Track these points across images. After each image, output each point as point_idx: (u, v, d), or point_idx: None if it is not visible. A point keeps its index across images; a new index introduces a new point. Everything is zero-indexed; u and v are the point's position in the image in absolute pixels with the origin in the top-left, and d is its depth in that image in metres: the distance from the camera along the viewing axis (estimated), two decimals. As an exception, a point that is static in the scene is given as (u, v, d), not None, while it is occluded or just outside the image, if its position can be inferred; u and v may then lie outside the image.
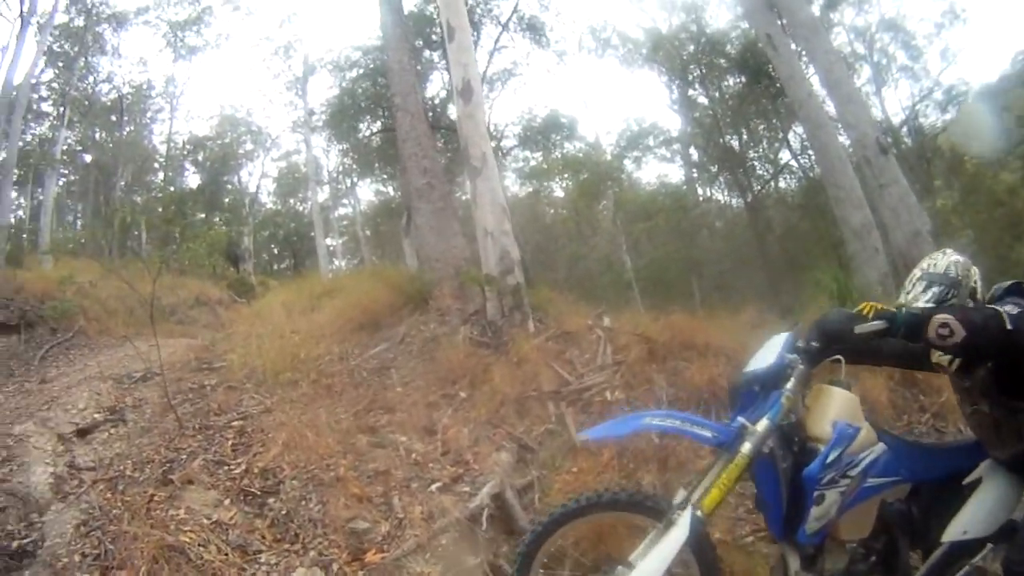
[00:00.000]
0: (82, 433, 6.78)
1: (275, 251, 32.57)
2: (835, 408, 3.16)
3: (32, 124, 23.34)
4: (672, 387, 6.99)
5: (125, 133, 25.51)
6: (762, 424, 3.06)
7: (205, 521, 5.20)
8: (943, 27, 21.99)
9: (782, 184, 23.26)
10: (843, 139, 14.10)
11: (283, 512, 5.33)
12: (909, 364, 3.66)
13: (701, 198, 25.49)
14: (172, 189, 25.96)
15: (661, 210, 22.55)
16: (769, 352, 3.26)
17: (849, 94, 12.75)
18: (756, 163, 22.74)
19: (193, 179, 29.26)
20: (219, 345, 9.02)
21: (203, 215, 27.16)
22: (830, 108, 14.41)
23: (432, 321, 8.26)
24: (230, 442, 6.35)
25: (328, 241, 27.58)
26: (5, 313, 10.94)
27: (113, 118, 25.45)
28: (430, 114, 14.79)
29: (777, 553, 3.42)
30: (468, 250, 9.14)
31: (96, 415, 7.14)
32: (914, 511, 3.17)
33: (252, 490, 5.62)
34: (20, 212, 24.50)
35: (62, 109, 22.41)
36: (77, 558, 4.72)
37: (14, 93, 18.14)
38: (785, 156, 22.60)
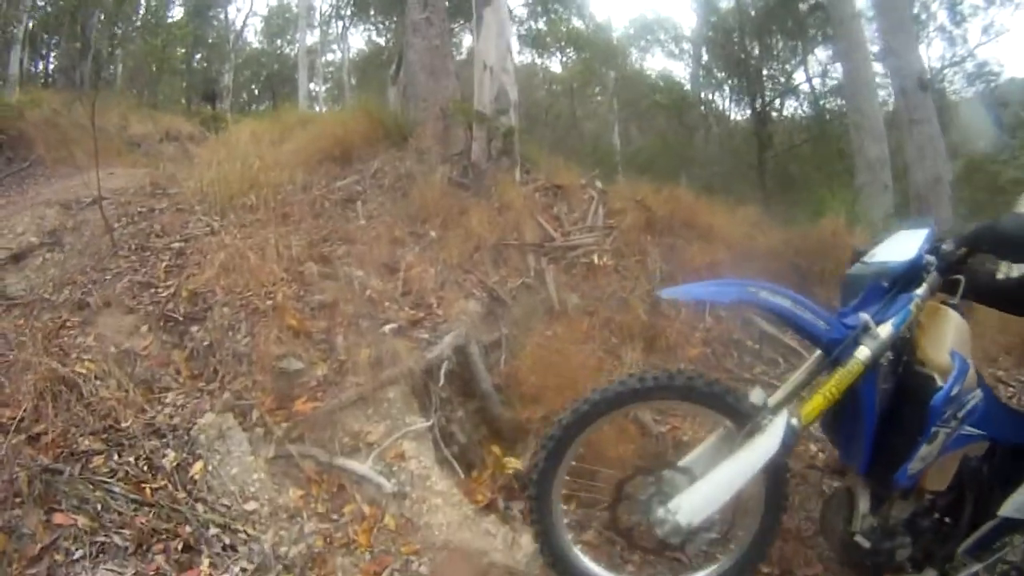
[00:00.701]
0: (16, 258, 5.99)
1: (255, 92, 30.32)
2: (951, 334, 2.53)
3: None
4: (667, 263, 6.06)
5: None
6: (885, 328, 2.43)
7: (112, 350, 4.39)
8: (993, 2, 20.03)
9: (792, 104, 21.81)
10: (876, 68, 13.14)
11: (205, 343, 4.45)
12: None
13: (703, 99, 23.84)
14: (154, 22, 23.75)
15: (659, 101, 21.07)
16: (903, 245, 2.62)
17: (902, 21, 11.29)
18: (768, 79, 21.17)
19: (177, 11, 26.34)
20: (179, 173, 7.97)
21: (183, 50, 25.23)
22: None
23: (410, 159, 7.12)
24: (164, 264, 5.45)
25: (312, 86, 25.40)
26: None
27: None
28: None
29: (842, 487, 2.82)
30: (460, 94, 7.94)
31: (32, 239, 6.30)
32: (985, 473, 2.63)
33: (175, 316, 4.74)
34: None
35: None
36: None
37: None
38: (800, 79, 20.94)
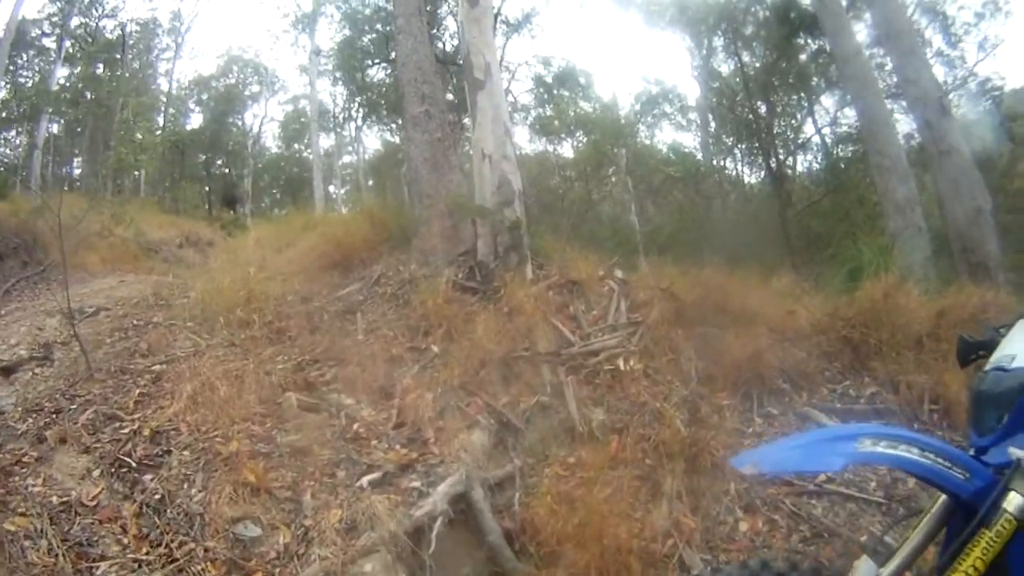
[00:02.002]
0: (6, 372, 5.43)
1: (276, 196, 29.75)
2: None
3: (35, 61, 20.93)
4: (703, 359, 5.04)
5: (128, 72, 22.65)
6: None
7: (55, 500, 3.60)
8: (983, 17, 19.36)
9: (806, 159, 20.59)
10: (889, 105, 12.06)
11: (157, 496, 3.59)
12: None
13: (716, 166, 22.59)
14: (174, 128, 23.61)
15: (672, 174, 19.98)
16: None
17: (911, 47, 10.22)
18: (778, 136, 20.38)
19: (196, 119, 26.58)
20: (189, 281, 7.32)
21: (204, 156, 25.18)
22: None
23: (414, 262, 6.36)
24: (137, 391, 4.68)
25: (331, 189, 25.09)
26: None
27: (117, 56, 22.26)
28: (438, 45, 12.55)
29: None
30: (466, 187, 7.12)
31: (23, 352, 5.74)
32: None
33: (129, 460, 3.87)
34: (13, 150, 21.85)
35: (61, 43, 19.96)
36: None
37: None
38: (809, 131, 19.73)
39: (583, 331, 5.34)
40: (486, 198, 6.09)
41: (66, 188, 19.00)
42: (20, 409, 4.69)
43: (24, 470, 3.95)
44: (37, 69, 20.65)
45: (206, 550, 3.16)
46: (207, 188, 25.38)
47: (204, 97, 26.10)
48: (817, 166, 19.91)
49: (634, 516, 3.53)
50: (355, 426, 4.18)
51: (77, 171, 23.25)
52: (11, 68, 18.20)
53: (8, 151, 21.63)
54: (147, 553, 3.23)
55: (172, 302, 6.51)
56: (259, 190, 27.43)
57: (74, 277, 8.91)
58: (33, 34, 20.05)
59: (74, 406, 4.55)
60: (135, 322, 6.03)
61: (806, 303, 5.83)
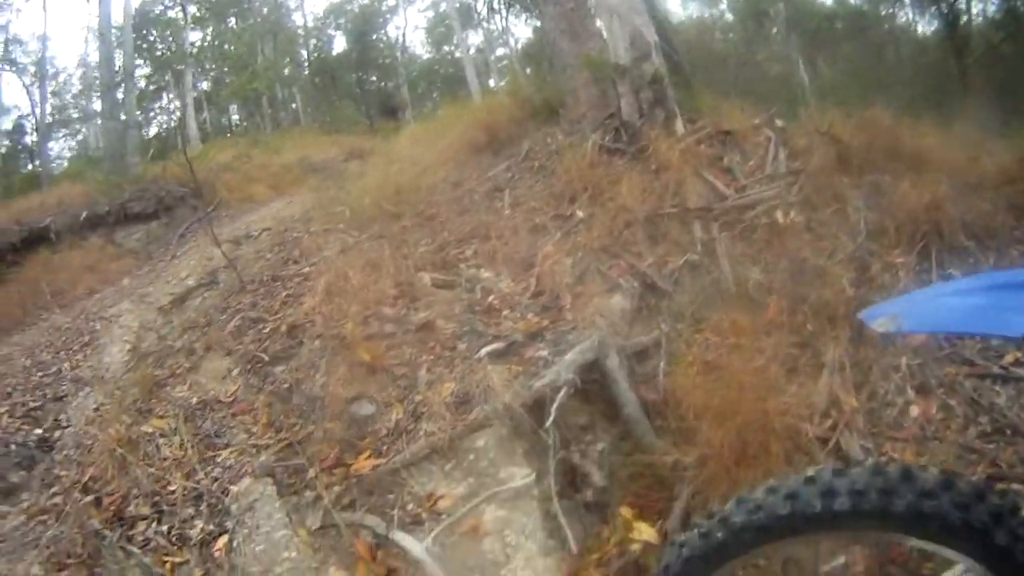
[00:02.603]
0: (178, 302, 6.36)
1: (436, 98, 30.01)
2: None
3: (165, 33, 23.59)
4: (873, 210, 4.57)
5: (259, 18, 25.08)
6: None
7: (194, 401, 4.21)
8: None
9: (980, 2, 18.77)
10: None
11: (285, 386, 3.96)
12: None
13: (884, 15, 21.48)
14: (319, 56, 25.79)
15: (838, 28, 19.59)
16: None
17: None
18: None
19: (340, 43, 28.56)
20: (346, 189, 8.00)
21: (355, 75, 26.70)
22: None
23: (561, 133, 6.34)
24: (284, 294, 5.18)
25: (491, 83, 25.12)
26: (142, 203, 11.30)
27: (245, 6, 25.18)
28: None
29: None
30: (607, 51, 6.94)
31: (191, 282, 6.70)
32: None
33: (265, 356, 4.36)
34: (170, 115, 25.39)
35: (185, 11, 22.65)
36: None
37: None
38: None
39: (738, 183, 5.01)
40: (619, 55, 5.88)
41: (228, 135, 21.60)
42: (179, 329, 5.47)
43: (175, 380, 4.61)
44: (170, 37, 23.22)
45: (324, 432, 3.43)
46: (364, 105, 26.64)
47: (342, 21, 27.83)
48: (993, 8, 18.45)
49: (787, 390, 3.25)
50: (490, 298, 4.23)
51: (236, 117, 26.32)
52: (144, 45, 20.61)
53: (165, 117, 25.15)
54: (269, 439, 3.62)
55: (329, 211, 7.19)
56: (418, 97, 28.55)
57: (243, 208, 10.00)
58: (156, 11, 22.70)
59: (223, 317, 5.15)
60: (293, 235, 6.65)
61: (989, 150, 5.19)
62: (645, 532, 2.82)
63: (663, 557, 1.73)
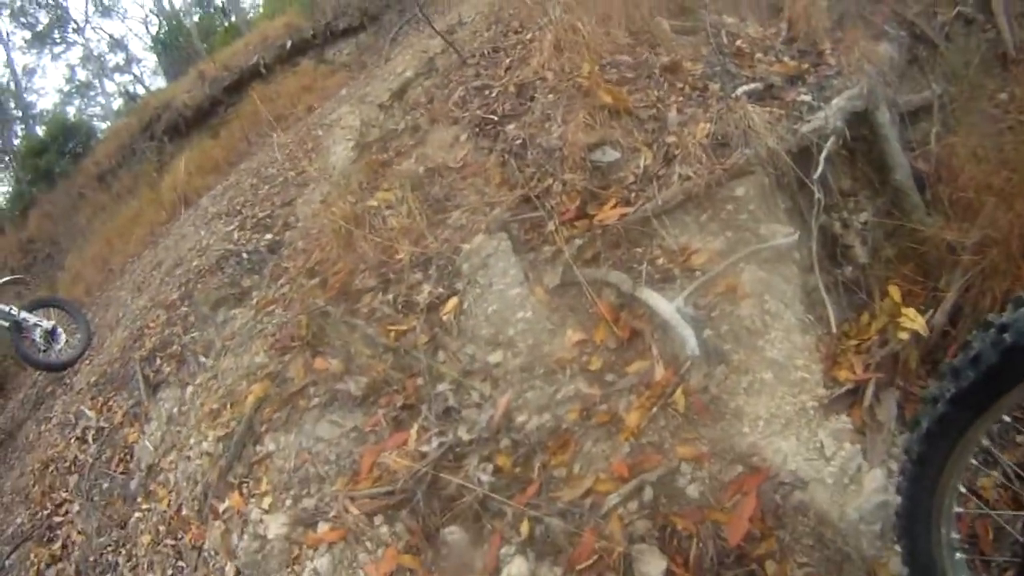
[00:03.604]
0: (399, 94, 6.72)
1: None
2: None
3: None
4: None
5: None
6: None
7: (420, 170, 4.47)
8: None
9: None
10: None
11: (517, 142, 4.01)
12: None
13: None
14: None
15: None
16: None
17: None
18: None
19: None
20: None
21: None
22: None
23: None
24: (507, 61, 5.24)
25: None
26: (346, 19, 12.45)
27: None
28: None
29: None
30: None
31: (409, 74, 7.04)
32: None
33: (494, 117, 4.47)
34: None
35: None
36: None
37: None
38: None
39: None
40: None
41: None
42: (399, 113, 5.88)
43: (400, 158, 4.95)
44: None
45: (564, 183, 3.45)
46: None
47: None
48: None
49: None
50: (737, 42, 4.05)
51: None
52: None
53: None
54: (503, 196, 3.73)
55: None
56: None
57: (455, 2, 10.37)
58: None
59: (446, 91, 5.36)
60: (509, 11, 6.77)
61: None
62: (915, 321, 2.57)
63: (973, 343, 1.42)
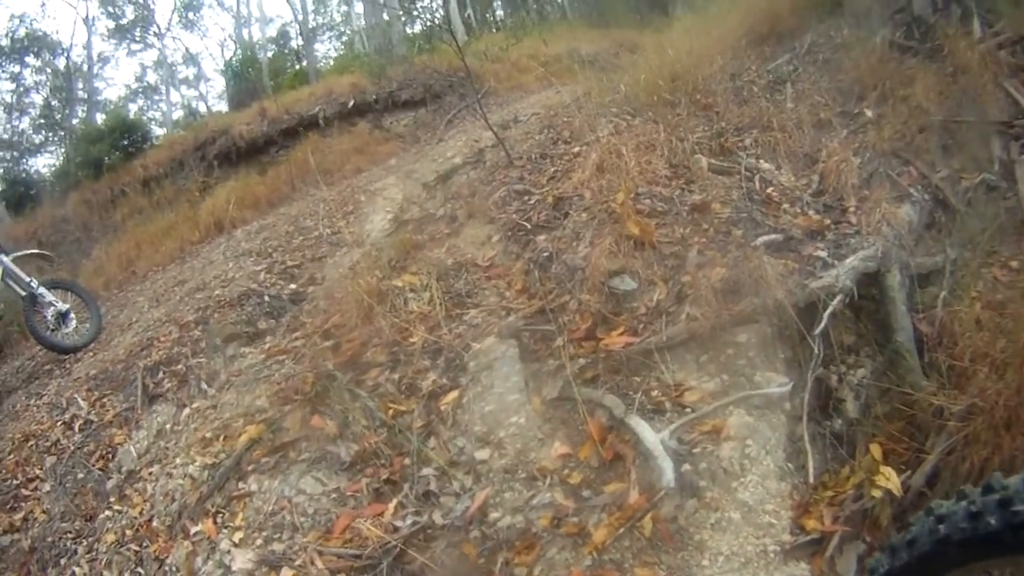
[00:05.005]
0: (443, 178, 7.09)
1: None
2: None
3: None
4: None
5: None
6: None
7: (449, 262, 4.70)
8: None
9: None
10: None
11: (545, 254, 4.23)
12: None
13: None
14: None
15: None
16: None
17: None
18: None
19: None
20: (618, 77, 8.23)
21: None
22: None
23: (846, 26, 6.24)
24: (552, 170, 5.52)
25: None
26: (409, 91, 12.92)
27: None
28: None
29: None
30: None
31: (458, 160, 7.39)
32: None
33: (528, 224, 4.70)
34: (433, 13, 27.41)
35: None
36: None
37: None
38: None
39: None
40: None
41: (494, 30, 23.26)
42: (442, 199, 6.12)
43: (433, 244, 5.14)
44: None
45: (579, 303, 3.63)
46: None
47: None
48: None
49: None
50: (768, 190, 4.27)
51: (500, 13, 28.30)
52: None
53: (428, 15, 26.94)
54: (520, 303, 3.93)
55: (602, 96, 7.45)
56: None
57: (512, 96, 10.79)
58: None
59: (488, 188, 5.60)
60: (563, 119, 7.01)
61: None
62: (890, 481, 2.69)
63: (913, 526, 1.58)
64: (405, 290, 4.29)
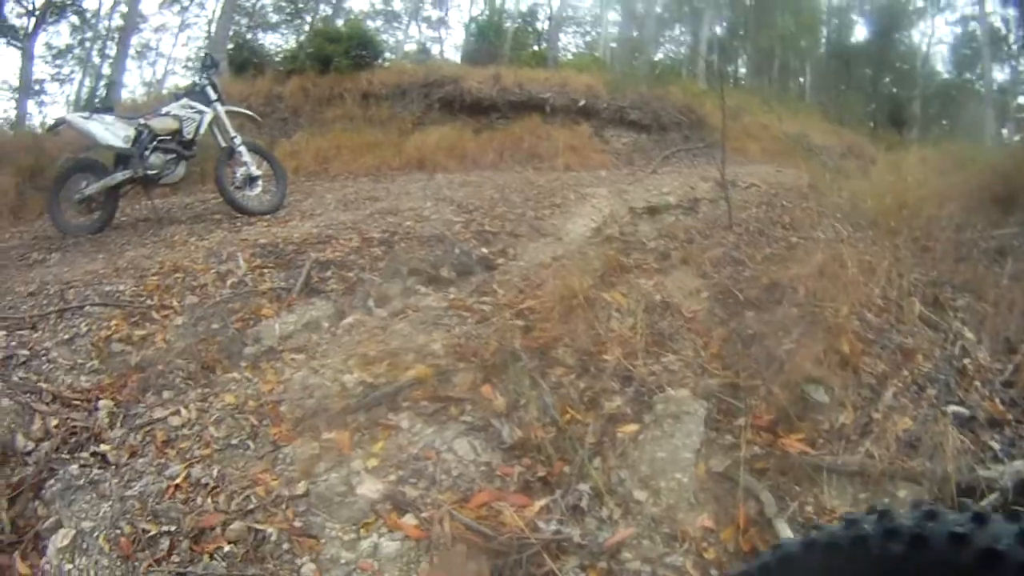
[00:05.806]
0: (651, 211, 7.24)
1: (945, 125, 29.16)
2: None
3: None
4: None
5: None
6: None
7: (657, 298, 4.74)
8: None
9: None
10: None
11: (748, 332, 4.22)
12: None
13: None
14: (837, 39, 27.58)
15: None
16: None
17: None
18: None
19: (860, 31, 29.78)
20: (844, 183, 8.16)
21: (869, 71, 27.39)
22: None
23: None
24: (768, 250, 5.61)
25: (1004, 131, 24.38)
26: (639, 113, 13.25)
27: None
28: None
29: None
30: None
31: (671, 200, 7.57)
32: None
33: (739, 295, 4.75)
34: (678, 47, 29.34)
35: None
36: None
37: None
38: None
39: None
40: None
41: (730, 83, 23.53)
42: (654, 233, 6.19)
43: (639, 272, 5.21)
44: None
45: (769, 392, 3.59)
46: (872, 105, 27.16)
47: (867, 8, 28.71)
48: None
49: None
50: (965, 360, 4.10)
51: (741, 70, 28.50)
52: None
53: (673, 47, 28.74)
54: (715, 368, 3.91)
55: (824, 196, 7.32)
56: (928, 117, 28.50)
57: (732, 159, 10.79)
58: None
59: (706, 243, 5.64)
60: (784, 202, 7.00)
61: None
62: None
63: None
64: (611, 306, 4.33)
